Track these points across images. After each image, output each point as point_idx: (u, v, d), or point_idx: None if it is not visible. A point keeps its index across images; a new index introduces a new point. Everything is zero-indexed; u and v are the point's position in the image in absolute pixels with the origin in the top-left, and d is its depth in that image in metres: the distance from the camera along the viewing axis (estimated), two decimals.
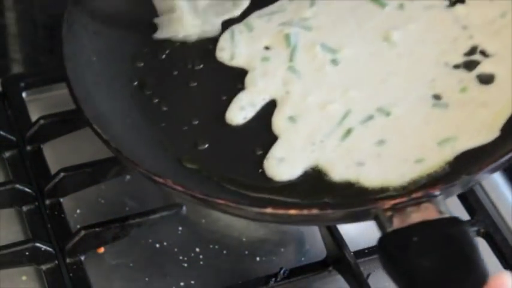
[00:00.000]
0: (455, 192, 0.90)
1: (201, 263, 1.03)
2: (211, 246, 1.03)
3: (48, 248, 1.00)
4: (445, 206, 0.83)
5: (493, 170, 0.87)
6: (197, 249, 1.03)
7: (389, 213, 0.82)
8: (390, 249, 0.81)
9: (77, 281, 0.99)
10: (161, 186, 0.90)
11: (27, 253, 0.99)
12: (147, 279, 1.00)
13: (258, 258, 1.03)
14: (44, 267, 1.00)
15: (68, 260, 1.00)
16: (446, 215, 0.82)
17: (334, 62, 1.01)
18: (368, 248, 0.99)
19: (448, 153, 0.92)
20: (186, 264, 1.02)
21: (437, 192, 0.83)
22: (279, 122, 0.98)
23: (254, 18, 1.07)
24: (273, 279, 0.99)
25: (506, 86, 0.97)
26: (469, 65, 1.00)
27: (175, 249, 1.03)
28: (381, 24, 1.04)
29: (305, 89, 0.99)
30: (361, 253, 0.99)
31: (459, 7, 1.05)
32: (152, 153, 0.97)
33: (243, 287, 1.00)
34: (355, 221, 0.89)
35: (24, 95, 1.17)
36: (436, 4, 1.05)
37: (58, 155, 1.10)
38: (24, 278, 1.01)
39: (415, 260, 0.79)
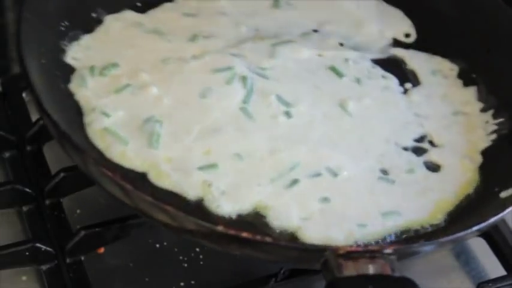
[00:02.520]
0: (410, 256, 0.91)
1: (201, 263, 1.03)
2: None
3: (48, 248, 1.00)
4: (398, 268, 0.83)
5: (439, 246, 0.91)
6: (197, 249, 1.03)
7: (340, 260, 0.82)
8: None
9: (77, 281, 0.99)
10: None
11: (27, 253, 0.99)
12: (147, 279, 1.01)
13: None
14: (44, 267, 1.00)
15: (68, 260, 1.00)
16: (400, 275, 0.83)
17: (288, 114, 1.02)
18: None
19: (391, 226, 0.94)
20: (186, 264, 1.02)
21: (391, 250, 0.84)
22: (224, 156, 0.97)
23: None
24: (273, 279, 0.99)
25: (452, 178, 1.00)
26: (417, 151, 1.03)
27: (175, 249, 1.03)
28: (337, 91, 1.06)
29: (256, 132, 1.00)
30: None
31: (414, 94, 1.09)
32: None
33: (243, 287, 1.00)
34: (300, 263, 0.91)
35: (24, 95, 1.17)
36: (392, 87, 1.09)
37: (58, 155, 1.10)
38: (24, 278, 1.01)
39: None
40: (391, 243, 0.90)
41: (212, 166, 0.96)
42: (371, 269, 0.83)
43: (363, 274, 0.82)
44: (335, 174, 0.98)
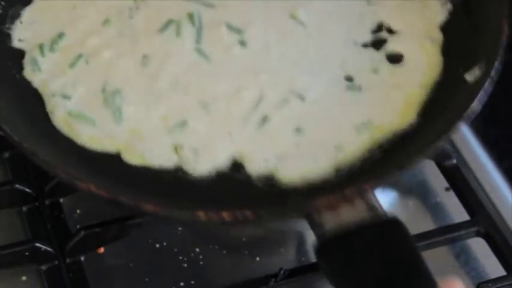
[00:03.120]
0: (385, 185, 0.90)
1: (201, 263, 1.03)
2: (211, 246, 1.03)
3: (48, 248, 1.00)
4: (376, 201, 0.82)
5: (422, 158, 0.86)
6: (197, 249, 1.03)
7: (321, 212, 0.81)
8: (331, 258, 0.80)
9: (76, 281, 0.99)
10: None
11: (27, 253, 0.99)
12: (147, 279, 1.00)
13: (258, 258, 1.03)
14: (44, 267, 1.00)
15: (67, 260, 1.00)
16: (380, 213, 0.81)
17: (242, 43, 0.98)
18: None
19: (367, 139, 0.91)
20: (186, 264, 1.02)
21: (368, 188, 0.82)
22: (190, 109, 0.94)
23: None
24: (273, 279, 0.99)
25: (416, 67, 0.97)
26: (377, 44, 0.99)
27: (175, 249, 1.03)
28: (287, 0, 1.01)
29: (215, 73, 0.96)
30: None
31: None
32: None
33: (243, 287, 1.00)
34: (284, 219, 0.89)
35: None
36: None
37: None
38: (24, 278, 1.01)
39: (358, 271, 0.78)
40: (366, 181, 0.83)
41: (181, 124, 0.94)
42: (351, 216, 0.80)
43: (345, 232, 0.80)
44: (302, 98, 0.94)
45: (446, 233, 1.06)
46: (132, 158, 0.94)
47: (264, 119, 0.93)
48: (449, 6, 1.01)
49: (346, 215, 0.81)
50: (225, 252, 1.03)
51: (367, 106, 0.93)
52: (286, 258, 1.03)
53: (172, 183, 0.92)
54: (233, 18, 0.99)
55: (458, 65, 0.94)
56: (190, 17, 0.99)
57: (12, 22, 1.02)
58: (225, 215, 0.83)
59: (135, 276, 1.01)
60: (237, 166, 0.93)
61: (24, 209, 1.05)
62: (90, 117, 0.95)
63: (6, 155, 1.10)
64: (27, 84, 0.99)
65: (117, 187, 0.88)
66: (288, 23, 0.99)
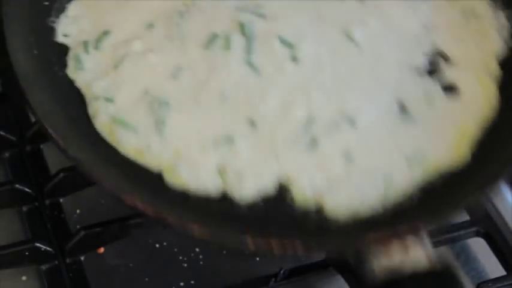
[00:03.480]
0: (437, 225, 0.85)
1: (201, 263, 1.03)
2: (211, 246, 1.03)
3: (48, 248, 1.00)
4: (429, 244, 0.78)
5: (477, 200, 0.85)
6: (197, 249, 1.03)
7: (372, 252, 0.77)
8: None
9: (76, 281, 0.99)
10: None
11: (27, 253, 0.99)
12: (147, 279, 1.01)
13: (258, 258, 1.03)
14: (44, 267, 1.00)
15: (68, 260, 1.00)
16: (434, 260, 0.77)
17: (294, 58, 0.93)
18: None
19: (418, 173, 0.88)
20: (186, 264, 1.02)
21: (422, 227, 0.78)
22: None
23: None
24: (273, 279, 0.99)
25: (472, 101, 0.93)
26: (432, 71, 0.96)
27: (175, 249, 1.03)
28: (341, 15, 0.97)
29: (265, 89, 0.92)
30: None
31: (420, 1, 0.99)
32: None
33: (243, 287, 1.00)
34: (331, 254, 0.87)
35: None
36: None
37: (58, 155, 1.10)
38: (24, 278, 1.01)
39: None
40: (421, 219, 0.80)
41: (227, 141, 0.89)
42: (407, 262, 0.77)
43: (399, 278, 0.76)
44: (353, 122, 0.90)
45: (446, 233, 1.06)
46: (175, 180, 0.89)
47: (313, 142, 0.89)
48: (510, 42, 0.97)
49: (398, 258, 0.77)
50: (225, 252, 1.03)
51: (420, 138, 0.90)
52: (286, 258, 1.03)
53: (216, 206, 0.88)
54: (285, 31, 0.95)
55: None
56: (242, 27, 0.95)
57: (58, 16, 0.99)
58: (274, 244, 0.80)
59: (135, 276, 1.01)
60: (283, 191, 0.89)
61: (24, 209, 1.05)
62: (132, 124, 0.91)
63: (6, 155, 1.10)
64: (70, 83, 0.95)
65: (158, 203, 0.84)
66: (342, 41, 0.95)
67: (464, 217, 1.08)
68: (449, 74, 0.95)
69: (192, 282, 1.01)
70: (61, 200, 1.06)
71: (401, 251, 0.77)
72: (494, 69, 0.96)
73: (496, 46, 0.97)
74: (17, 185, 1.05)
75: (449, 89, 0.95)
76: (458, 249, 1.09)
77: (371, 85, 0.93)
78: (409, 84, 0.94)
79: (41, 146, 1.10)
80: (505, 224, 1.09)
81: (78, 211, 1.06)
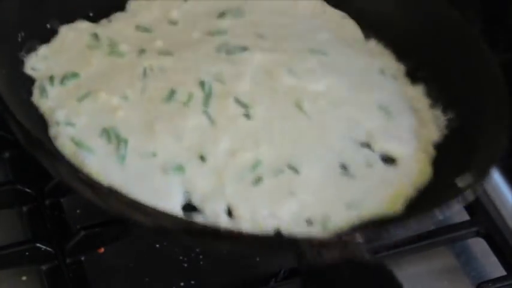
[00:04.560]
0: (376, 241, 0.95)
1: (201, 263, 1.03)
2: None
3: (48, 248, 1.00)
4: (368, 255, 0.86)
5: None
6: (197, 249, 1.03)
7: (315, 250, 0.85)
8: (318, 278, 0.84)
9: (77, 281, 0.99)
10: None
11: (27, 253, 0.99)
12: (147, 279, 1.00)
13: (258, 258, 1.03)
14: (44, 267, 1.00)
15: (68, 260, 1.00)
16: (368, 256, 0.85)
17: (247, 116, 1.03)
18: None
19: (354, 217, 0.96)
20: (186, 264, 1.02)
21: (361, 237, 0.87)
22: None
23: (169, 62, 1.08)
24: (273, 279, 0.99)
25: (407, 171, 1.02)
26: (373, 144, 1.04)
27: (175, 249, 1.03)
28: (293, 91, 1.07)
29: (218, 134, 1.01)
30: None
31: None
32: None
33: (243, 287, 1.00)
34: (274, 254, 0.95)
35: None
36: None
37: None
38: (24, 278, 1.01)
39: None
40: (361, 230, 0.92)
41: (177, 168, 0.97)
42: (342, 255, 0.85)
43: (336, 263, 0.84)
44: (296, 171, 0.99)
45: (446, 233, 1.06)
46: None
47: (259, 179, 0.98)
48: (446, 131, 1.07)
49: (337, 255, 0.85)
50: (225, 252, 1.03)
51: (358, 191, 0.99)
52: (286, 258, 1.03)
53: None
54: (242, 95, 1.05)
55: (451, 173, 0.99)
56: (202, 84, 1.05)
57: (28, 53, 1.06)
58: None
59: (135, 276, 1.01)
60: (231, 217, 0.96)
61: (24, 209, 1.05)
62: (91, 147, 0.98)
63: (7, 155, 1.10)
64: (35, 108, 1.02)
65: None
66: (292, 109, 1.05)
67: (464, 217, 1.09)
68: (389, 146, 1.04)
69: (192, 282, 1.01)
70: (61, 200, 1.06)
71: (338, 251, 0.86)
72: (430, 150, 1.05)
73: (432, 133, 1.06)
74: (17, 185, 1.06)
75: (388, 159, 1.04)
76: (458, 249, 1.09)
77: (316, 147, 1.02)
78: (352, 151, 1.03)
79: None
80: (505, 224, 1.09)
81: (78, 211, 1.06)
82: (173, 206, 0.94)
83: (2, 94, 0.94)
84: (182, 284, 1.00)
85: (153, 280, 1.00)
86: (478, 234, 1.08)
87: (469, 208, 1.08)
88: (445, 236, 1.06)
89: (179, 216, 0.91)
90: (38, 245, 1.00)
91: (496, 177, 1.15)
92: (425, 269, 1.05)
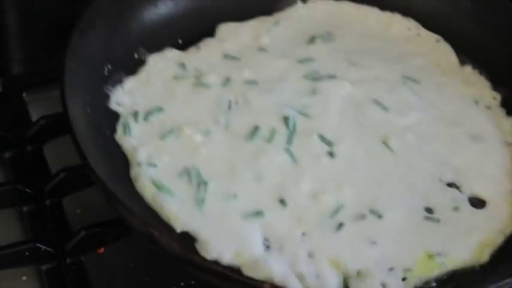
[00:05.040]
0: None
1: None
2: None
3: (48, 248, 1.00)
4: None
5: None
6: None
7: None
8: None
9: (77, 281, 0.99)
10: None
11: (27, 253, 1.00)
12: (147, 279, 1.01)
13: None
14: (44, 267, 1.00)
15: (68, 260, 1.00)
16: None
17: (331, 154, 1.01)
18: None
19: (437, 267, 0.93)
20: None
21: None
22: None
23: (254, 93, 1.06)
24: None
25: (497, 215, 0.98)
26: (461, 186, 1.01)
27: None
28: (380, 125, 1.04)
29: (300, 175, 0.98)
30: None
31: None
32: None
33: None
34: None
35: (24, 95, 1.17)
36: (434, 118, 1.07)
37: (58, 155, 1.10)
38: (24, 278, 1.01)
39: None
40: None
41: (258, 213, 0.95)
42: None
43: None
44: (379, 216, 0.96)
45: None
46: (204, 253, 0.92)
47: (340, 225, 0.95)
48: None
49: None
50: None
51: (443, 238, 0.95)
52: None
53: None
54: (326, 131, 1.02)
55: None
56: (286, 120, 1.02)
57: (114, 86, 1.05)
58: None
59: (135, 276, 1.01)
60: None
61: (25, 209, 1.05)
62: (171, 190, 0.96)
63: (7, 155, 1.10)
64: (117, 146, 1.00)
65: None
66: (378, 146, 1.02)
67: None
68: (478, 187, 1.01)
69: (192, 282, 1.01)
70: (61, 200, 1.06)
71: None
72: None
73: None
74: (17, 185, 1.06)
75: (477, 201, 1.00)
76: None
77: (401, 189, 0.99)
78: (438, 193, 0.99)
79: (41, 146, 1.11)
80: None
81: (78, 211, 1.06)
82: (253, 251, 0.92)
83: (82, 146, 0.91)
84: (182, 284, 1.00)
85: (153, 280, 1.00)
86: None
87: None
88: None
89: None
90: (38, 245, 1.00)
91: None
92: None
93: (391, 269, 0.91)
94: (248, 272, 0.90)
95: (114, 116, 1.03)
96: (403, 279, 0.92)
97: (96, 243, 1.01)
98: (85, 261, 1.00)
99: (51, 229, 1.03)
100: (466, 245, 0.95)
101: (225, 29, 1.13)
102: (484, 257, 0.94)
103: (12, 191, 1.05)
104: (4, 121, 1.13)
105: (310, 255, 0.92)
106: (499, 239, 0.96)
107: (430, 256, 0.93)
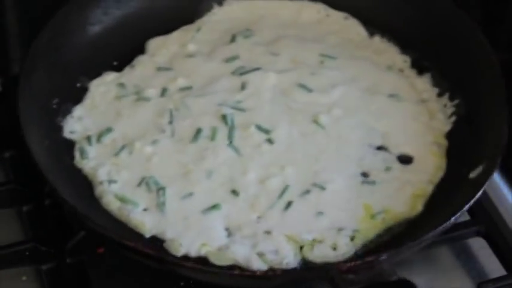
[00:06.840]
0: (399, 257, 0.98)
1: None
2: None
3: (48, 248, 1.00)
4: (394, 271, 0.92)
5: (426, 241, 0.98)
6: None
7: (344, 276, 0.91)
8: None
9: (77, 281, 0.99)
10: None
11: (27, 253, 1.00)
12: (147, 279, 1.00)
13: None
14: (44, 267, 1.00)
15: (68, 260, 1.00)
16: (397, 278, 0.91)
17: (270, 141, 1.08)
18: None
19: (379, 224, 1.02)
20: None
21: (385, 257, 0.93)
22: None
23: (191, 98, 1.12)
24: None
25: (424, 167, 1.08)
26: (389, 147, 1.09)
27: None
28: (309, 106, 1.12)
29: (246, 165, 1.06)
30: None
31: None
32: None
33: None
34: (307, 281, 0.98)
35: None
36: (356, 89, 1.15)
37: None
38: (24, 278, 1.01)
39: None
40: (384, 250, 0.95)
41: (215, 207, 1.02)
42: (370, 279, 0.91)
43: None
44: (322, 188, 1.04)
45: (446, 233, 1.06)
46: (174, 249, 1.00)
47: (289, 204, 1.03)
48: (454, 118, 1.12)
49: (365, 277, 0.92)
50: None
51: (380, 197, 1.04)
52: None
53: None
54: (262, 121, 1.10)
55: (463, 165, 1.05)
56: (224, 117, 1.09)
57: (64, 116, 1.10)
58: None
59: (135, 276, 1.01)
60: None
61: (24, 209, 1.05)
62: (134, 200, 1.02)
63: (7, 155, 1.10)
64: (78, 171, 1.06)
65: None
66: (310, 126, 1.10)
67: (465, 217, 1.08)
68: (404, 147, 1.10)
69: (192, 282, 1.00)
70: None
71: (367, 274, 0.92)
72: (443, 141, 1.10)
73: (442, 124, 1.12)
74: (17, 185, 1.06)
75: (404, 159, 1.08)
76: (458, 249, 1.09)
77: (337, 160, 1.08)
78: (370, 157, 1.08)
79: None
80: (505, 224, 1.09)
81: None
82: (216, 240, 0.99)
83: (44, 169, 0.99)
84: (182, 283, 1.00)
85: (153, 280, 1.00)
86: (478, 234, 1.08)
87: (469, 208, 1.08)
88: (445, 235, 1.06)
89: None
90: (38, 245, 1.00)
91: (496, 177, 1.15)
92: (426, 269, 1.05)
93: (339, 231, 1.00)
94: (215, 260, 0.98)
95: (70, 144, 1.07)
96: (351, 239, 1.00)
97: (96, 243, 1.01)
98: (85, 261, 1.00)
99: (51, 229, 1.03)
100: (402, 199, 1.04)
101: (154, 44, 1.19)
102: (418, 207, 1.04)
103: (12, 191, 1.05)
104: (4, 121, 1.13)
105: (268, 235, 1.00)
106: (429, 189, 1.05)
107: (372, 215, 1.02)
